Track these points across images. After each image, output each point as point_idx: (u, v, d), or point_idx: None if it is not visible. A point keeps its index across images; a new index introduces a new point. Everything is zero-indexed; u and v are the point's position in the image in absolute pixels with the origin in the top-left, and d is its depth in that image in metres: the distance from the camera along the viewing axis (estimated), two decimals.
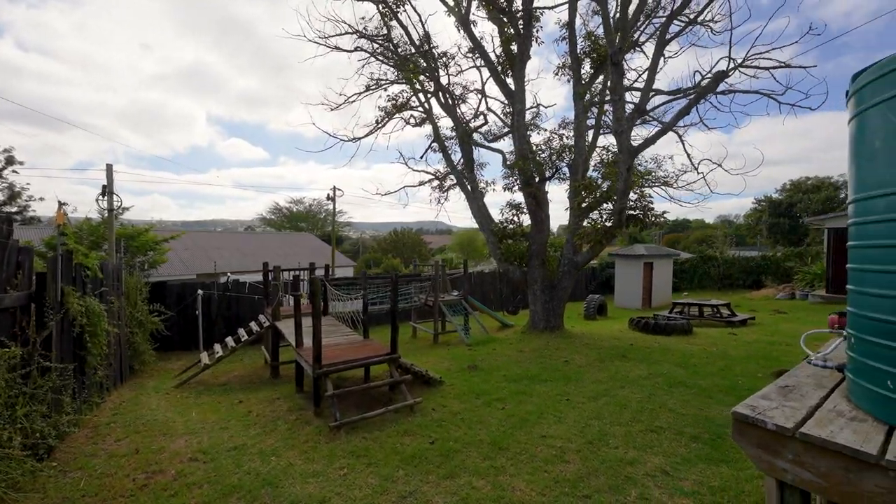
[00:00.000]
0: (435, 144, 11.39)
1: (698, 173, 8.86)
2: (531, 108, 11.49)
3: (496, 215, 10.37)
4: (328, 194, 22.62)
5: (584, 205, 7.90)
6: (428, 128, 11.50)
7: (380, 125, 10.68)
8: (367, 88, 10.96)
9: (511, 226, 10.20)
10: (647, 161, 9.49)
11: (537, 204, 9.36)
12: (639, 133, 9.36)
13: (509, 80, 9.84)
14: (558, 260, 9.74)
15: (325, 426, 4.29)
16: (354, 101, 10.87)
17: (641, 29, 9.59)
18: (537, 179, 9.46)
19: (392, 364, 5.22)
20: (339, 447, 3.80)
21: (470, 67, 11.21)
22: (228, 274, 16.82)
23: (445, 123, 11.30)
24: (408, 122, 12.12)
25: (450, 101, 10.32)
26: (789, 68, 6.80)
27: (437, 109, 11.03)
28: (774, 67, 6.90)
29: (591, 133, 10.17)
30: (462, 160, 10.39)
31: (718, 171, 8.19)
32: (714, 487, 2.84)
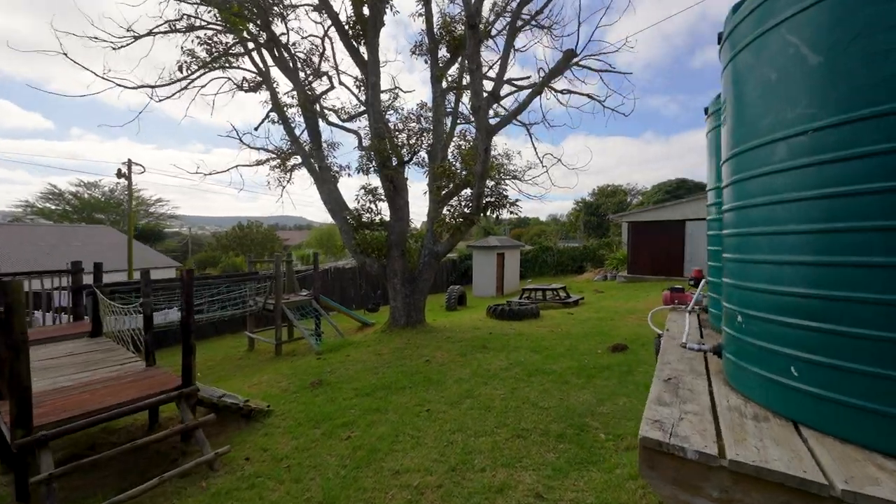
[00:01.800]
0: (274, 115, 9.42)
1: (542, 166, 9.45)
2: (389, 90, 10.60)
3: (352, 203, 9.15)
4: (119, 169, 17.12)
5: (444, 192, 7.43)
6: (265, 94, 9.43)
7: (190, 76, 8.12)
8: (173, 29, 8.21)
9: (368, 214, 9.13)
10: (500, 155, 9.72)
11: (395, 189, 8.53)
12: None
13: (362, 50, 8.70)
14: (419, 251, 9.16)
15: None
16: (153, 35, 7.97)
17: (492, 23, 9.72)
18: (395, 163, 8.63)
19: (183, 402, 3.57)
20: None
21: (312, 35, 9.61)
22: None
23: (288, 90, 9.42)
24: (240, 87, 9.76)
25: (286, 57, 8.55)
26: (616, 73, 7.67)
27: (276, 74, 9.10)
28: (604, 71, 7.69)
29: (449, 120, 9.89)
30: (308, 134, 8.78)
31: (556, 175, 8.82)
32: None
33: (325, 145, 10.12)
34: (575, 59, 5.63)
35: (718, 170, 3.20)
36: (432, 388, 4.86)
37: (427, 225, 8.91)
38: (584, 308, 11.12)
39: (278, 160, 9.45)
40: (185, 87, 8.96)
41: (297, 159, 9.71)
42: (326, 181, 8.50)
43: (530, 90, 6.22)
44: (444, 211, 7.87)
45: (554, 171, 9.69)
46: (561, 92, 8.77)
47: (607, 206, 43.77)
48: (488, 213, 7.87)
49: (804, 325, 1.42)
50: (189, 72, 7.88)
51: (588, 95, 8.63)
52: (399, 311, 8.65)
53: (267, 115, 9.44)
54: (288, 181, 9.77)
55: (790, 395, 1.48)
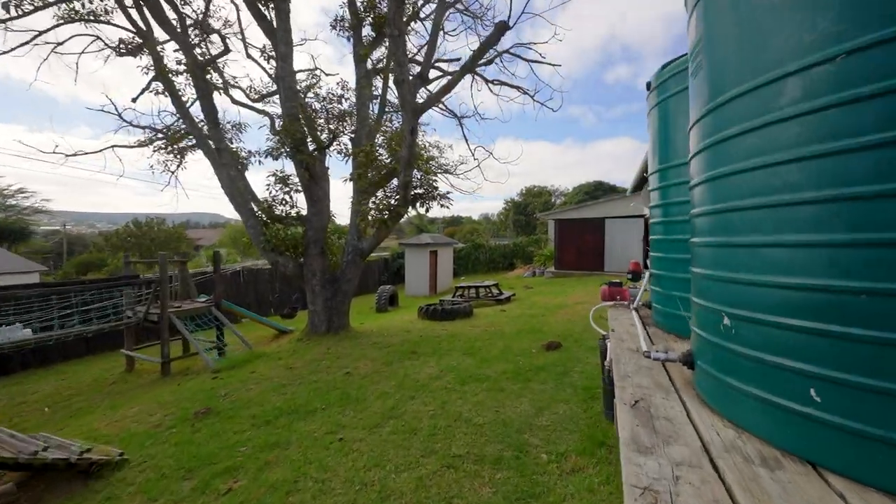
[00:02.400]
0: (159, 85, 7.79)
1: (475, 159, 9.12)
2: (308, 70, 9.45)
3: (264, 193, 7.89)
4: None
5: (365, 175, 6.65)
6: (147, 59, 7.75)
7: (23, 15, 6.26)
8: None
9: (282, 206, 7.96)
10: (429, 145, 9.16)
11: (312, 178, 7.51)
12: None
13: (271, 16, 7.52)
14: (343, 248, 8.24)
15: None
16: None
17: (420, 6, 9.11)
18: (313, 147, 7.61)
19: None
20: None
21: None
22: None
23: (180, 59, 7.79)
24: (116, 50, 7.92)
25: (173, 17, 7.08)
26: (547, 63, 7.53)
27: (160, 33, 7.50)
28: (534, 61, 7.51)
29: (376, 109, 9.09)
30: (201, 109, 7.36)
31: (487, 174, 8.51)
32: None
33: (228, 126, 8.71)
34: (507, 32, 5.28)
35: (664, 149, 2.97)
36: (350, 407, 4.11)
37: (351, 219, 8.03)
38: (516, 304, 11.06)
39: (164, 140, 7.84)
40: (32, 41, 7.00)
41: (194, 141, 8.18)
42: (226, 165, 7.19)
43: (461, 68, 5.75)
44: (370, 204, 7.07)
45: (487, 169, 9.50)
46: (492, 82, 8.48)
47: (534, 205, 46.01)
48: (418, 207, 7.26)
49: (833, 331, 1.01)
50: (20, 11, 6.04)
51: (518, 88, 8.45)
52: (319, 315, 7.67)
53: (149, 85, 7.77)
54: (179, 166, 8.17)
55: (809, 429, 1.07)
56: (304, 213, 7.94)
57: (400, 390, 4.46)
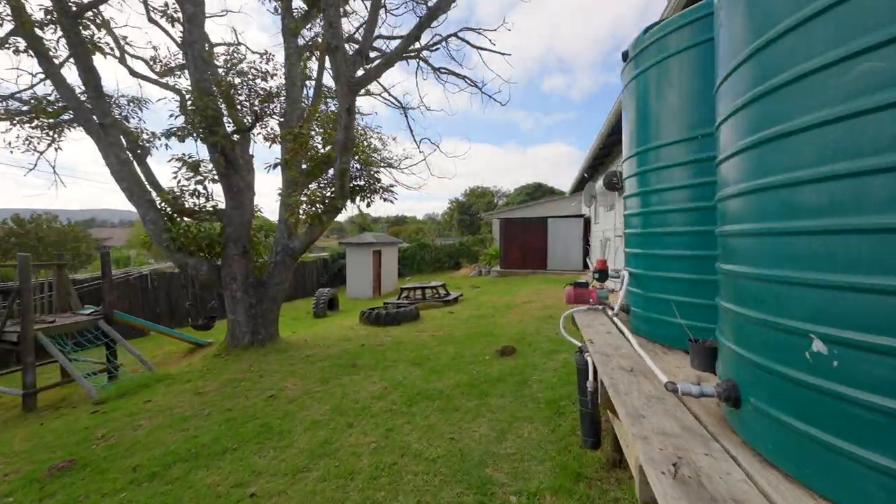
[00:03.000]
0: (20, 41, 6.16)
1: (420, 152, 8.54)
2: (230, 44, 8.18)
3: (171, 183, 6.56)
4: None
5: (294, 161, 5.76)
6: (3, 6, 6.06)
7: None
8: None
9: (194, 198, 6.71)
10: (367, 129, 8.38)
11: (231, 166, 6.40)
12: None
13: None
14: (271, 248, 7.19)
15: None
16: None
17: None
18: (232, 130, 6.50)
19: None
20: None
21: None
22: None
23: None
24: None
25: None
26: (496, 52, 7.15)
27: None
28: (483, 49, 7.10)
29: (311, 93, 8.12)
30: (78, 74, 5.90)
31: (434, 171, 8.01)
32: None
33: (123, 101, 7.23)
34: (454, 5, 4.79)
35: (644, 128, 2.62)
36: (271, 444, 3.30)
37: (279, 214, 7.02)
38: (464, 305, 10.67)
39: (29, 113, 6.20)
40: None
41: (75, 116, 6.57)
42: (115, 145, 5.83)
43: (407, 36, 5.10)
44: (302, 196, 6.15)
45: (432, 168, 9.02)
46: (439, 70, 7.95)
47: (478, 205, 46.74)
48: (358, 201, 6.49)
49: None
50: None
51: (465, 78, 8.03)
52: (240, 326, 6.58)
53: (6, 40, 6.08)
54: (52, 145, 6.54)
55: None
56: (223, 206, 6.77)
57: (335, 416, 3.73)
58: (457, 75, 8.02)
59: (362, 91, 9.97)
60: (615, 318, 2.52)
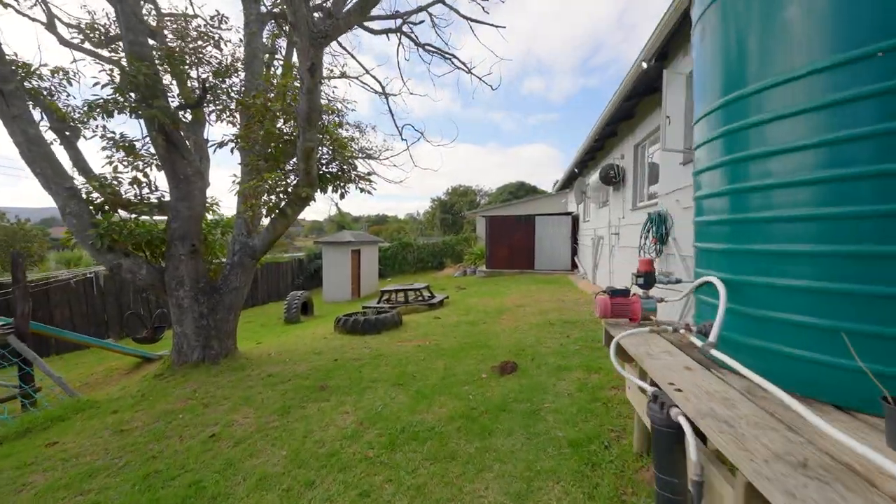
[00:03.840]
0: None
1: (402, 139, 7.66)
2: (179, 14, 7.04)
3: (103, 168, 5.42)
4: None
5: (248, 139, 4.78)
6: None
7: None
8: None
9: (132, 187, 5.59)
10: (343, 105, 7.41)
11: (174, 147, 5.34)
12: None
13: None
14: (230, 247, 6.15)
15: None
16: None
17: None
18: (178, 103, 5.44)
19: None
20: None
21: None
22: None
23: None
24: None
25: None
26: (489, 25, 6.33)
27: None
28: (474, 20, 6.27)
29: (279, 70, 7.09)
30: None
31: (414, 176, 7.15)
32: None
33: (46, 71, 6.04)
34: None
35: (736, 66, 1.77)
36: None
37: (237, 206, 6.00)
38: (450, 308, 9.83)
39: None
40: None
41: None
42: (20, 118, 4.68)
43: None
44: (264, 185, 5.14)
45: (415, 168, 8.20)
46: (424, 46, 7.08)
47: (460, 204, 46.15)
48: (330, 192, 5.55)
49: None
50: None
51: (453, 57, 7.19)
52: (188, 339, 5.54)
53: None
54: None
55: None
56: (168, 198, 5.68)
57: (292, 468, 2.82)
58: (443, 54, 7.17)
59: (338, 73, 8.97)
60: (693, 341, 1.72)
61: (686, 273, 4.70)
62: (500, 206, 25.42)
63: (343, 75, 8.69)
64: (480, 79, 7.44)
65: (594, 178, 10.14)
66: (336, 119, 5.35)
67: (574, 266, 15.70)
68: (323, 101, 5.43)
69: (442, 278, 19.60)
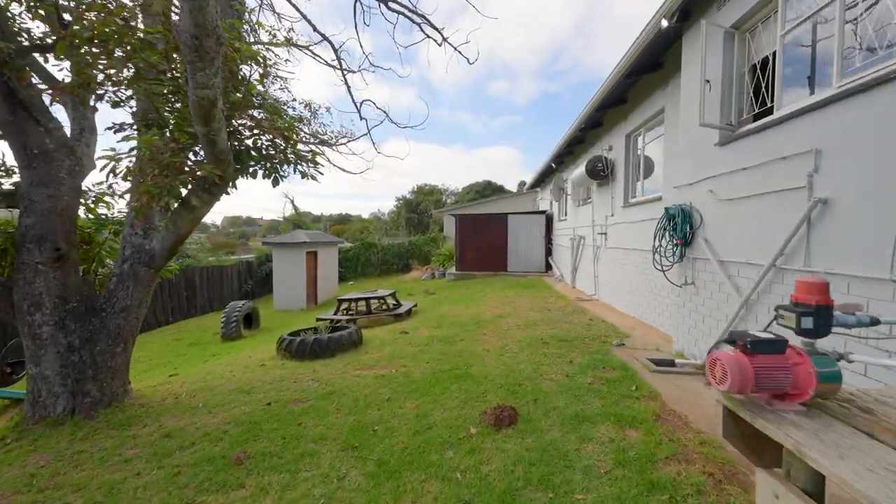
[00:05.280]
0: None
1: (361, 118, 6.29)
2: None
3: None
4: None
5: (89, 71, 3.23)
6: None
7: None
8: None
9: None
10: (295, 102, 5.93)
11: (21, 107, 3.68)
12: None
13: None
14: (119, 252, 4.49)
15: None
16: None
17: None
18: (25, 45, 3.76)
19: None
20: None
21: None
22: None
23: None
24: None
25: None
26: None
27: None
28: None
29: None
30: None
31: (377, 175, 5.80)
32: None
33: None
34: None
35: None
36: None
37: (129, 199, 4.36)
38: (420, 319, 8.53)
39: None
40: None
41: None
42: None
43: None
44: (147, 159, 3.59)
45: (379, 168, 6.87)
46: (386, 2, 5.75)
47: (427, 203, 44.96)
48: (260, 175, 4.07)
49: None
50: None
51: (423, 17, 5.93)
52: (49, 385, 3.87)
53: None
54: None
55: None
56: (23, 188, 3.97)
57: None
58: (412, 13, 5.88)
59: (282, 38, 7.41)
60: None
61: (732, 288, 3.70)
62: (469, 205, 24.41)
63: (289, 41, 7.14)
64: (455, 48, 6.22)
65: (578, 172, 9.23)
66: (260, 71, 3.89)
67: (548, 267, 14.89)
68: (236, 37, 3.95)
69: (409, 281, 18.23)
